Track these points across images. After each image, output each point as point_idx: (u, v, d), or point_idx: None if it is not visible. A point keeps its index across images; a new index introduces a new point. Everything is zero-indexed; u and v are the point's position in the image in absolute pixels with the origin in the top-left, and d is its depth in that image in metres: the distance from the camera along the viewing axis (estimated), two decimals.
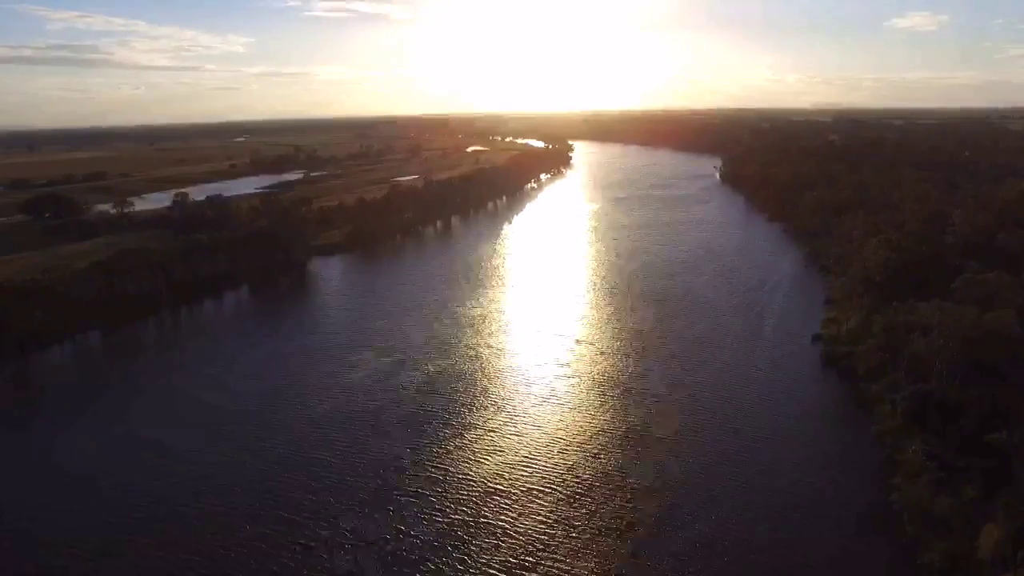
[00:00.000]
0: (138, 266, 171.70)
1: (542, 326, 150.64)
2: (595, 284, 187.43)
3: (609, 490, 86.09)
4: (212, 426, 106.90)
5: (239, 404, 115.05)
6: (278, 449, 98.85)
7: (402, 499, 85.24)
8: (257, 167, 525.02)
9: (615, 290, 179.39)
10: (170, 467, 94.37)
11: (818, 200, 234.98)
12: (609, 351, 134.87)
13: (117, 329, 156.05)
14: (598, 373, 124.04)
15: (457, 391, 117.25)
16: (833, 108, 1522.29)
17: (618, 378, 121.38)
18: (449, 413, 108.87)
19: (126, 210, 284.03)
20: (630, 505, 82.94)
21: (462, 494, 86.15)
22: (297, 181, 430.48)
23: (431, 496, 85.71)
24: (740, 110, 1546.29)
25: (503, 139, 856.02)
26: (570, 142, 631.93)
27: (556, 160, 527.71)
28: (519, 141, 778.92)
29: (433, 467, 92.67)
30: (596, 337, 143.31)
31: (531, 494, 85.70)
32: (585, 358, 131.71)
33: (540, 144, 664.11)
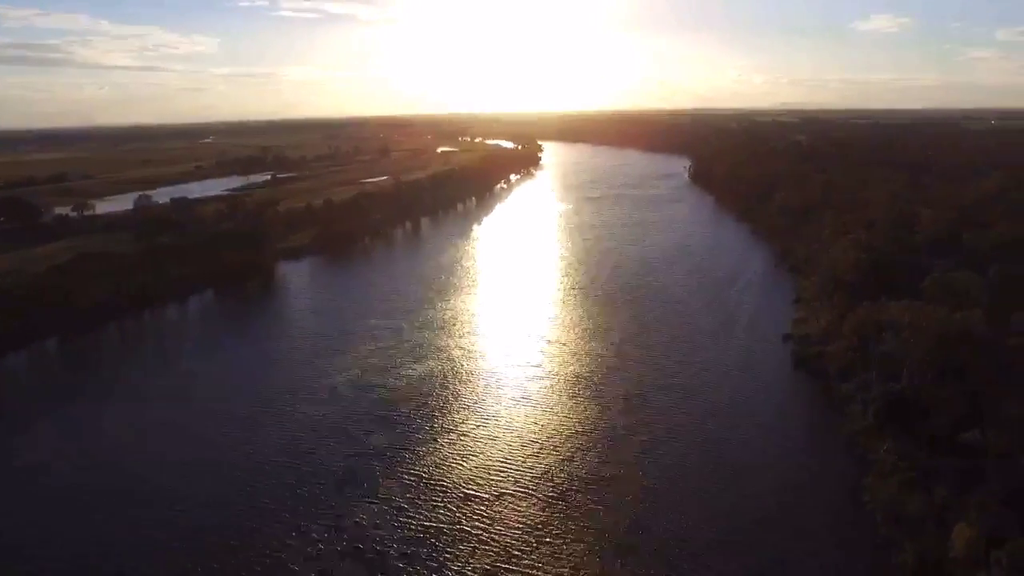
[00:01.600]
0: (98, 270, 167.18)
1: (513, 327, 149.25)
2: (566, 284, 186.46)
3: (582, 493, 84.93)
4: (173, 436, 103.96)
5: (200, 411, 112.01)
6: (241, 457, 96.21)
7: (374, 506, 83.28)
8: (224, 169, 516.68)
9: (586, 290, 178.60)
10: (129, 475, 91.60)
11: (786, 200, 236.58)
12: (581, 352, 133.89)
13: (76, 335, 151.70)
14: (570, 374, 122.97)
15: (428, 394, 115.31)
16: (799, 108, 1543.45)
17: (590, 379, 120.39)
18: (420, 417, 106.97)
19: (86, 213, 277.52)
20: (602, 508, 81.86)
21: (435, 500, 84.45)
22: (264, 183, 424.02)
23: (403, 503, 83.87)
24: (708, 110, 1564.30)
25: (473, 140, 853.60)
26: (540, 143, 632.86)
27: (526, 161, 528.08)
28: (489, 142, 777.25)
29: (405, 473, 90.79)
30: (567, 338, 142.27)
31: (504, 498, 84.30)
32: (557, 359, 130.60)
33: (510, 145, 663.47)
